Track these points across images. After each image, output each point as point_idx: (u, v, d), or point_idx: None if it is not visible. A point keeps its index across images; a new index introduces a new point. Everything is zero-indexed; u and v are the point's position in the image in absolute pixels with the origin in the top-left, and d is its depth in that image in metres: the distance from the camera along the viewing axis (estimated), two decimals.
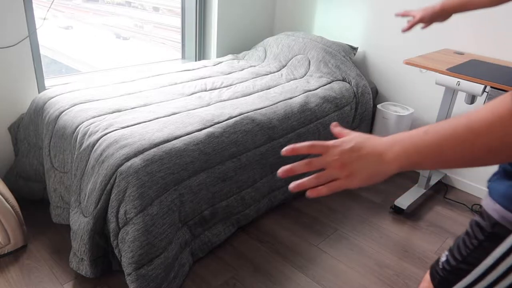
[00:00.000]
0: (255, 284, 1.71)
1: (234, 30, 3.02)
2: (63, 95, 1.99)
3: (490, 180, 0.85)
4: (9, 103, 2.08)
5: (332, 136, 0.72)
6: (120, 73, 2.42)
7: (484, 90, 1.87)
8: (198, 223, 1.75)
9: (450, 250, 0.88)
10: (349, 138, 0.69)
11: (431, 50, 2.44)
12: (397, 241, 2.06)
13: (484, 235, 0.79)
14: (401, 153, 0.64)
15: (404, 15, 1.45)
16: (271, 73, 2.64)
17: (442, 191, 2.55)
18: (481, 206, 0.83)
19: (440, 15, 1.35)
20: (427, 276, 0.94)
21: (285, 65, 2.75)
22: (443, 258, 0.88)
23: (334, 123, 0.75)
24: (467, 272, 0.81)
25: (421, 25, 1.43)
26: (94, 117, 1.79)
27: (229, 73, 2.56)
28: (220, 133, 1.78)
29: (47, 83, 2.23)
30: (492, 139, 0.55)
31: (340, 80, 2.59)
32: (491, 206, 0.78)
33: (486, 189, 0.84)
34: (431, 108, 2.61)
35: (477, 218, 0.82)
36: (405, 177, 2.69)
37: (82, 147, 1.68)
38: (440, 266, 0.88)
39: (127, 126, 1.72)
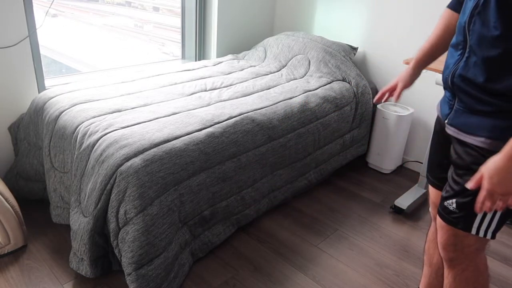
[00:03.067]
0: (255, 284, 1.71)
1: (234, 30, 3.02)
2: (63, 95, 1.99)
3: (449, 119, 1.10)
4: (9, 103, 2.08)
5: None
6: (120, 73, 2.42)
7: None
8: (198, 223, 1.75)
9: (451, 197, 1.10)
10: (491, 181, 0.91)
11: None
12: (397, 241, 2.06)
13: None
14: None
15: (381, 97, 1.47)
16: (271, 73, 2.64)
17: None
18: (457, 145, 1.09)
19: (417, 75, 1.40)
20: (444, 228, 1.15)
21: (285, 65, 2.75)
22: (452, 206, 1.10)
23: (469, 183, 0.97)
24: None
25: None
26: (94, 117, 1.79)
27: (229, 73, 2.56)
28: (220, 133, 1.78)
29: (47, 83, 2.23)
30: None
31: (340, 80, 2.59)
32: (478, 140, 1.02)
33: (449, 127, 1.11)
34: (431, 108, 2.61)
35: (467, 158, 1.05)
36: (405, 177, 2.69)
37: (82, 147, 1.68)
38: (456, 211, 1.09)
39: (127, 126, 1.72)
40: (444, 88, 1.14)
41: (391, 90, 1.44)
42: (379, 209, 2.31)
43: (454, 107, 1.09)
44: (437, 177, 1.30)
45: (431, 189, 1.35)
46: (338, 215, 2.22)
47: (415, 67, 1.37)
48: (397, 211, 2.28)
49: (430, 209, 1.39)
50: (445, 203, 1.12)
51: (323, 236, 2.04)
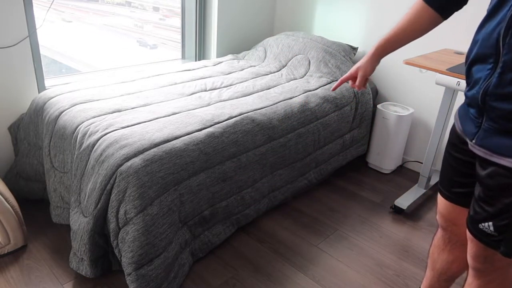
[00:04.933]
0: (255, 284, 1.71)
1: (234, 30, 3.02)
2: (63, 95, 1.99)
3: (478, 139, 1.02)
4: (9, 103, 2.08)
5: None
6: (120, 73, 2.42)
7: None
8: (198, 223, 1.75)
9: (486, 219, 1.02)
10: None
11: (431, 50, 2.44)
12: (397, 241, 2.06)
13: None
14: None
15: (339, 86, 1.44)
16: (271, 73, 2.64)
17: None
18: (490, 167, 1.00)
19: (377, 62, 1.36)
20: (474, 241, 1.08)
21: (285, 65, 2.75)
22: (490, 229, 1.02)
23: None
24: None
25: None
26: (94, 117, 1.79)
27: (229, 73, 2.56)
28: (220, 133, 1.78)
29: (47, 83, 2.23)
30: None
31: None
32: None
33: (479, 147, 1.01)
34: (431, 108, 2.61)
35: (501, 180, 0.97)
36: (405, 177, 2.69)
37: (82, 147, 1.68)
38: (496, 234, 1.02)
39: (127, 126, 1.72)
40: (469, 105, 1.04)
41: (352, 79, 1.40)
42: (379, 209, 2.31)
43: (483, 126, 0.99)
44: (451, 191, 1.23)
45: (441, 200, 1.28)
46: (338, 215, 2.22)
47: (377, 55, 1.33)
48: (397, 211, 2.28)
49: (437, 217, 1.35)
50: (480, 226, 1.05)
51: (323, 236, 2.04)
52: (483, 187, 1.03)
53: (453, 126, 1.17)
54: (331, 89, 1.50)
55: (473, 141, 1.03)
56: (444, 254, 1.38)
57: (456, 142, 1.16)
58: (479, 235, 1.06)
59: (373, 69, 1.36)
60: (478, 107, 1.00)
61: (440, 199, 1.29)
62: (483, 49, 0.96)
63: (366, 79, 1.39)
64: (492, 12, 0.95)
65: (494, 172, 0.99)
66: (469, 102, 1.03)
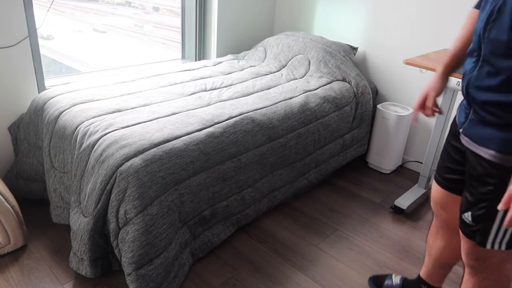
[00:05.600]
0: (255, 284, 1.71)
1: (234, 30, 3.02)
2: (63, 95, 1.99)
3: (464, 128, 1.08)
4: (9, 103, 2.08)
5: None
6: (120, 73, 2.42)
7: None
8: (198, 223, 1.75)
9: (466, 209, 1.07)
10: None
11: (431, 50, 2.44)
12: (397, 241, 2.06)
13: (497, 178, 0.99)
14: None
15: (416, 115, 1.36)
16: (271, 73, 2.64)
17: None
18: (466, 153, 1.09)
19: (446, 80, 1.31)
20: (464, 238, 1.13)
21: (285, 65, 2.75)
22: (468, 219, 1.07)
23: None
24: (495, 209, 0.97)
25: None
26: (94, 117, 1.80)
27: (229, 73, 2.56)
28: (220, 133, 1.78)
29: (47, 83, 2.23)
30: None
31: (340, 80, 2.59)
32: (489, 153, 0.99)
33: (463, 136, 1.08)
34: None
35: (479, 169, 1.02)
36: (405, 177, 2.69)
37: (82, 147, 1.68)
38: (473, 224, 1.06)
39: (127, 126, 1.72)
40: (463, 96, 1.11)
41: (424, 102, 1.32)
42: (379, 209, 2.31)
43: (469, 117, 1.06)
44: (443, 177, 1.28)
45: (435, 186, 1.32)
46: (338, 215, 2.22)
47: (444, 73, 1.29)
48: (397, 211, 2.28)
49: (431, 203, 1.39)
50: (463, 216, 1.10)
51: (323, 236, 2.04)
52: (468, 176, 1.09)
53: (455, 116, 1.23)
54: (412, 121, 1.41)
55: (461, 130, 1.11)
56: (437, 240, 1.43)
57: (454, 131, 1.21)
58: (462, 226, 1.11)
59: (443, 88, 1.30)
60: (466, 98, 1.08)
61: (433, 185, 1.34)
62: (472, 44, 1.04)
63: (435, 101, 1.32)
64: (482, 9, 1.02)
65: (475, 161, 1.05)
66: (462, 93, 1.11)
